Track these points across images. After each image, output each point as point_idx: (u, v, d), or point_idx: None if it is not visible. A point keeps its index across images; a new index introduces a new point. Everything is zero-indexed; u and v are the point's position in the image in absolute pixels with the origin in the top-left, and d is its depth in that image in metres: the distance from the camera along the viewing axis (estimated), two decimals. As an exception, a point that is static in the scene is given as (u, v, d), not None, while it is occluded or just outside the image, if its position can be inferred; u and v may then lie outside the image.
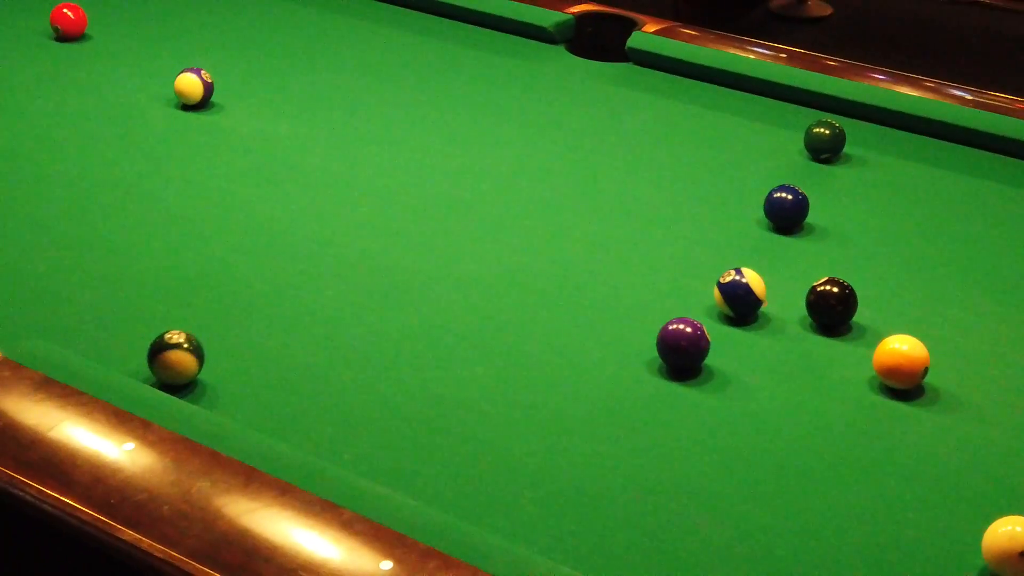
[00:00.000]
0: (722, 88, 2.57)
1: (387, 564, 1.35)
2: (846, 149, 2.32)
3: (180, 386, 1.66)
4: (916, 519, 1.51)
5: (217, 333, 1.78)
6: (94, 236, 2.01)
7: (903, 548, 1.46)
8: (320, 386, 1.69)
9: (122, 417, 1.54)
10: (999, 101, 2.44)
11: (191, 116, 2.38)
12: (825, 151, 2.30)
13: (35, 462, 1.49)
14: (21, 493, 1.46)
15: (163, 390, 1.63)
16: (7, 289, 1.86)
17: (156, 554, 1.38)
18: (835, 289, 1.84)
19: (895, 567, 1.44)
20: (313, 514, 1.41)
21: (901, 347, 1.71)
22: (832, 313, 1.83)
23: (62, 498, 1.44)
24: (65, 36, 2.61)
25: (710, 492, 1.54)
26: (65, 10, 2.63)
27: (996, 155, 2.34)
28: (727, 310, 1.85)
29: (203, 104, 2.38)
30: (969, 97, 2.46)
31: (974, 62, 4.93)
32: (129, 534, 1.40)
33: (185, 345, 1.66)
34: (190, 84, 2.36)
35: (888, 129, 2.42)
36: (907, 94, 2.45)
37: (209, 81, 2.38)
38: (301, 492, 1.44)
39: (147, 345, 1.72)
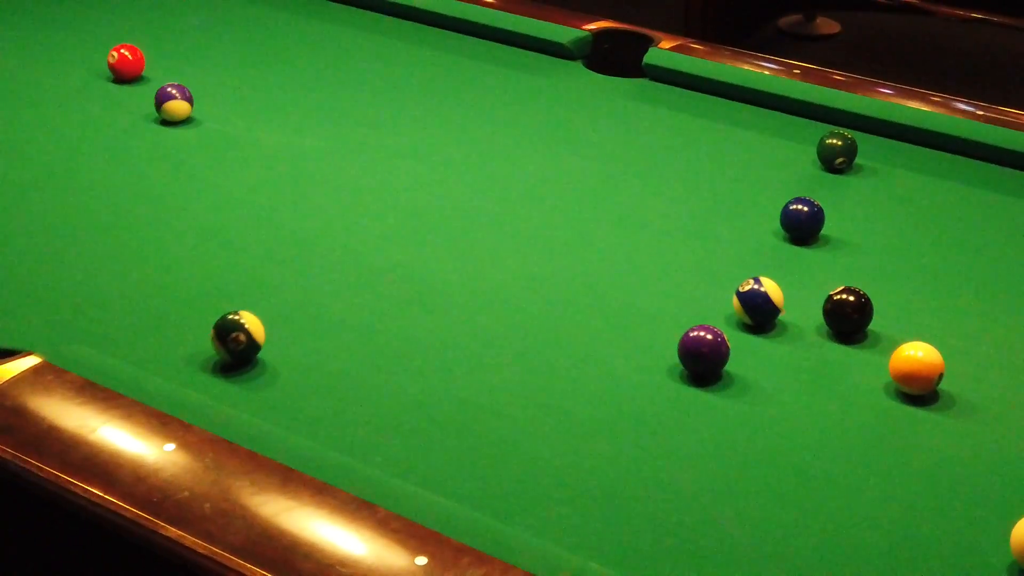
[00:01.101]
0: (736, 103, 2.60)
1: (422, 560, 1.39)
2: (860, 161, 2.37)
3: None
4: (933, 519, 1.55)
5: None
6: (128, 247, 2.05)
7: (921, 547, 1.50)
8: (352, 391, 1.73)
9: (163, 419, 1.59)
10: (1007, 115, 2.48)
11: (219, 130, 2.43)
12: (840, 155, 2.33)
13: (79, 462, 1.53)
14: (66, 492, 1.51)
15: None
16: (47, 297, 1.91)
17: (198, 550, 1.42)
18: (851, 298, 1.88)
19: (913, 565, 1.48)
20: (349, 512, 1.46)
21: (916, 354, 1.75)
22: (848, 321, 1.88)
23: (106, 496, 1.49)
24: (123, 77, 2.59)
25: (732, 493, 1.58)
26: (123, 51, 2.60)
27: (1004, 168, 2.37)
28: (746, 318, 1.89)
29: (187, 119, 2.44)
30: (977, 112, 2.50)
31: (981, 78, 4.97)
32: (172, 531, 1.44)
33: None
34: (177, 107, 2.42)
35: (898, 142, 2.46)
36: (916, 108, 2.49)
37: (183, 95, 2.43)
38: (337, 491, 1.48)
39: (183, 351, 1.78)
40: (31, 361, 1.68)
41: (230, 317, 1.76)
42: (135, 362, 1.75)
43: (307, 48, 2.83)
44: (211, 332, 1.76)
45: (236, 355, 1.75)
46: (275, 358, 1.79)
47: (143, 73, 2.61)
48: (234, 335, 1.75)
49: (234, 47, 2.82)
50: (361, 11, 2.97)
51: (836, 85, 2.59)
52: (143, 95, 2.53)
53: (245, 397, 1.71)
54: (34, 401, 1.62)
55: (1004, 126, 2.44)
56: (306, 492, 1.48)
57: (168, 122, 2.42)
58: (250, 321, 1.76)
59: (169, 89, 2.43)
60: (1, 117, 2.46)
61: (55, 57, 2.72)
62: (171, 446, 1.55)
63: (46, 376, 1.66)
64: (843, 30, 5.38)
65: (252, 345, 1.76)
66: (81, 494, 1.50)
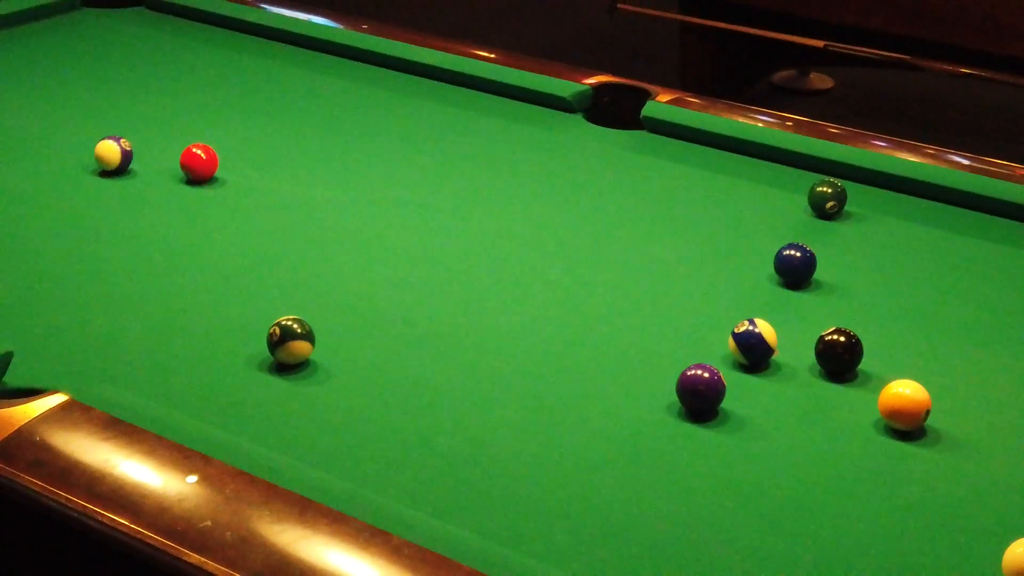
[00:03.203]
0: (731, 154, 2.68)
1: (434, 584, 1.46)
2: (850, 209, 2.45)
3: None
4: (921, 549, 1.61)
5: (267, 379, 1.91)
6: (149, 292, 2.13)
7: None
8: (364, 427, 1.81)
9: (184, 452, 1.66)
10: (996, 167, 2.55)
11: (232, 180, 2.51)
12: (830, 201, 2.41)
13: (106, 494, 1.60)
14: (94, 522, 1.58)
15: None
16: (73, 340, 1.99)
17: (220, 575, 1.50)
18: (842, 339, 1.95)
19: (900, 590, 1.55)
20: (364, 539, 1.52)
21: (904, 391, 1.83)
22: (839, 361, 1.95)
23: (133, 526, 1.55)
24: (197, 178, 2.50)
25: (728, 525, 1.65)
26: (195, 150, 2.50)
27: (993, 217, 2.44)
28: (741, 358, 1.96)
29: (122, 170, 2.50)
30: (968, 163, 2.57)
31: (972, 132, 5.06)
32: (195, 557, 1.51)
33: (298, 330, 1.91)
34: (108, 150, 2.48)
35: (888, 192, 2.53)
36: (908, 160, 2.57)
37: (128, 149, 2.50)
38: (352, 520, 1.55)
39: (202, 388, 1.86)
40: (58, 399, 1.75)
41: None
42: (157, 399, 1.82)
43: (317, 102, 2.91)
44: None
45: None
46: (290, 395, 1.87)
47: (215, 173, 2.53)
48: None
49: (246, 101, 2.90)
50: (369, 66, 3.06)
51: (829, 137, 2.66)
52: (160, 151, 2.62)
53: (263, 432, 1.78)
54: (62, 437, 1.70)
55: (992, 176, 2.51)
56: (322, 521, 1.55)
57: (105, 172, 2.50)
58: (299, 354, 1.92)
59: (110, 141, 2.50)
60: (25, 171, 2.54)
61: (73, 111, 2.81)
62: (193, 478, 1.62)
63: (73, 413, 1.73)
64: (836, 85, 5.48)
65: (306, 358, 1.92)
66: (108, 524, 1.56)
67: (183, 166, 2.48)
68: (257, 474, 1.62)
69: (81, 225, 2.34)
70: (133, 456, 1.66)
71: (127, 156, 2.51)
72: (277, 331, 1.92)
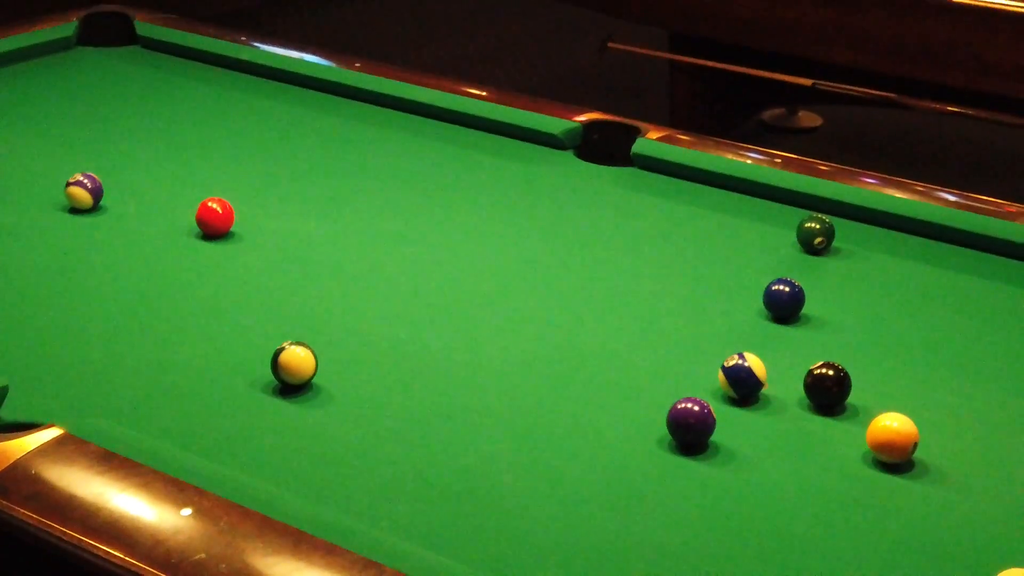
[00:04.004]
0: (721, 190, 2.70)
1: (427, 614, 1.48)
2: (839, 245, 2.47)
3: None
4: (908, 579, 1.64)
5: (260, 412, 1.92)
6: (143, 327, 2.15)
7: (896, 603, 1.59)
8: (357, 460, 1.82)
9: (179, 486, 1.67)
10: (984, 203, 2.57)
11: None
12: (818, 236, 2.44)
13: (101, 527, 1.62)
14: (89, 555, 1.59)
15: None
16: (68, 375, 2.00)
17: (215, 607, 1.51)
18: (831, 372, 1.97)
19: (889, 620, 1.57)
20: (357, 572, 1.54)
21: (892, 424, 1.84)
22: (828, 394, 1.97)
23: (127, 558, 1.57)
24: (213, 233, 2.45)
25: (718, 557, 1.66)
26: (211, 204, 2.45)
27: (981, 253, 2.47)
28: (731, 392, 1.98)
29: (96, 205, 2.52)
30: (956, 199, 2.59)
31: (959, 170, 5.11)
32: (190, 590, 1.53)
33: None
34: (79, 196, 2.50)
35: (878, 228, 2.56)
36: (896, 196, 2.59)
37: (97, 184, 2.52)
38: (345, 552, 1.57)
39: (196, 422, 1.88)
40: (54, 433, 1.77)
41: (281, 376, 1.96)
42: (152, 433, 1.84)
43: (310, 138, 2.94)
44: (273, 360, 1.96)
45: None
46: (284, 428, 1.88)
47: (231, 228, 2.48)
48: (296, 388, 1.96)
49: (239, 138, 2.93)
50: (362, 103, 3.09)
51: (818, 174, 2.68)
52: (153, 188, 2.64)
53: (257, 464, 1.79)
54: (57, 471, 1.71)
55: (977, 212, 2.53)
56: (316, 553, 1.57)
57: (75, 209, 2.51)
58: (297, 365, 1.96)
59: (80, 178, 2.51)
60: (19, 207, 2.56)
61: (67, 148, 2.83)
62: (188, 511, 1.63)
63: (68, 447, 1.75)
64: (825, 123, 5.52)
65: (309, 381, 1.97)
66: (103, 556, 1.58)
67: (199, 221, 2.44)
68: (251, 507, 1.64)
69: (76, 260, 2.36)
70: (128, 489, 1.67)
71: (97, 192, 2.52)
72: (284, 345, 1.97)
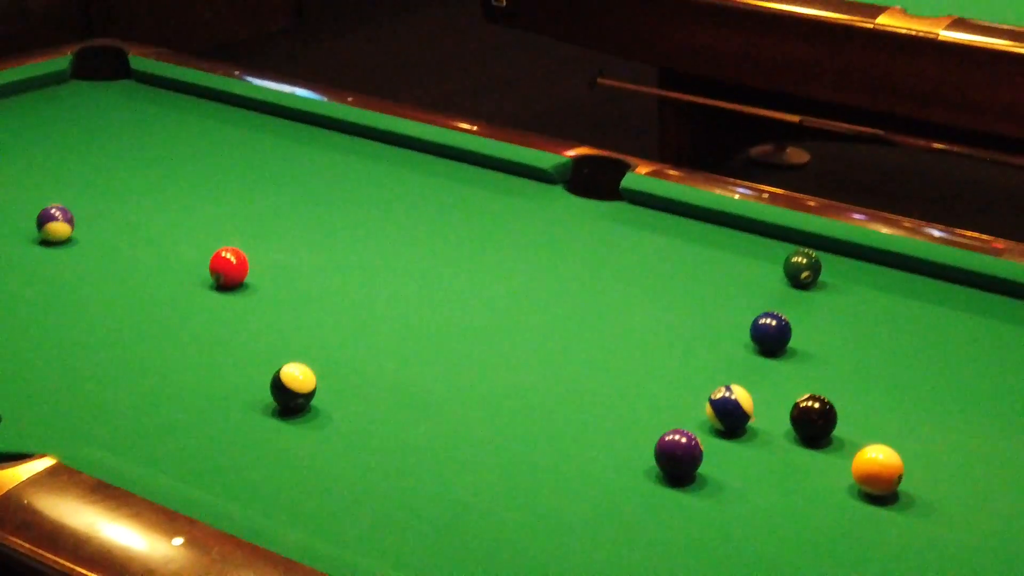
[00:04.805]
0: (709, 225, 2.72)
1: (416, 644, 1.49)
2: (826, 279, 2.49)
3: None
4: (893, 610, 1.66)
5: (251, 443, 1.94)
6: (135, 359, 2.17)
7: (881, 634, 1.61)
8: (347, 491, 1.84)
9: (170, 515, 1.69)
10: (970, 239, 2.60)
11: (217, 247, 2.54)
12: (804, 271, 2.46)
13: (92, 556, 1.63)
14: (81, 584, 1.61)
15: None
16: (61, 405, 2.02)
17: (206, 636, 1.52)
18: (817, 405, 1.99)
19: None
20: (347, 601, 1.56)
21: (877, 456, 1.86)
22: (814, 427, 1.99)
23: (119, 587, 1.59)
24: (226, 284, 2.40)
25: (705, 586, 1.68)
26: (225, 254, 2.41)
27: (967, 288, 2.48)
28: (718, 424, 2.00)
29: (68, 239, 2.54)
30: (942, 235, 2.61)
31: (946, 206, 5.14)
32: (181, 618, 1.54)
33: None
34: (58, 228, 2.52)
35: (864, 263, 2.58)
36: (883, 232, 2.61)
37: (69, 216, 2.53)
38: (336, 582, 1.59)
39: (188, 452, 1.90)
40: (46, 463, 1.78)
41: (284, 386, 1.99)
42: (144, 463, 1.85)
43: (302, 172, 2.96)
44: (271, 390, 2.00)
45: (299, 409, 1.99)
46: (274, 459, 1.90)
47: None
48: (292, 402, 1.99)
49: (232, 171, 2.95)
50: (353, 137, 3.11)
51: (805, 209, 2.70)
52: (145, 220, 2.66)
53: (248, 494, 1.81)
54: (49, 500, 1.73)
55: (964, 248, 2.54)
56: (306, 583, 1.58)
57: (49, 242, 2.52)
58: (303, 377, 2.00)
59: (52, 211, 2.53)
60: (12, 239, 2.58)
61: (61, 182, 2.85)
62: (179, 540, 1.65)
63: (60, 477, 1.76)
64: (812, 160, 5.56)
65: (308, 397, 2.00)
66: (95, 585, 1.60)
67: (213, 272, 2.40)
68: (242, 536, 1.65)
69: (70, 292, 2.38)
70: (119, 519, 1.69)
71: (71, 220, 2.54)
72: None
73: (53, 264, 2.48)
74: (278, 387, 1.99)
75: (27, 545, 1.65)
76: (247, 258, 2.42)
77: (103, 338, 2.23)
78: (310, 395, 2.01)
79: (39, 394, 2.05)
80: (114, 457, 1.84)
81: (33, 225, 2.56)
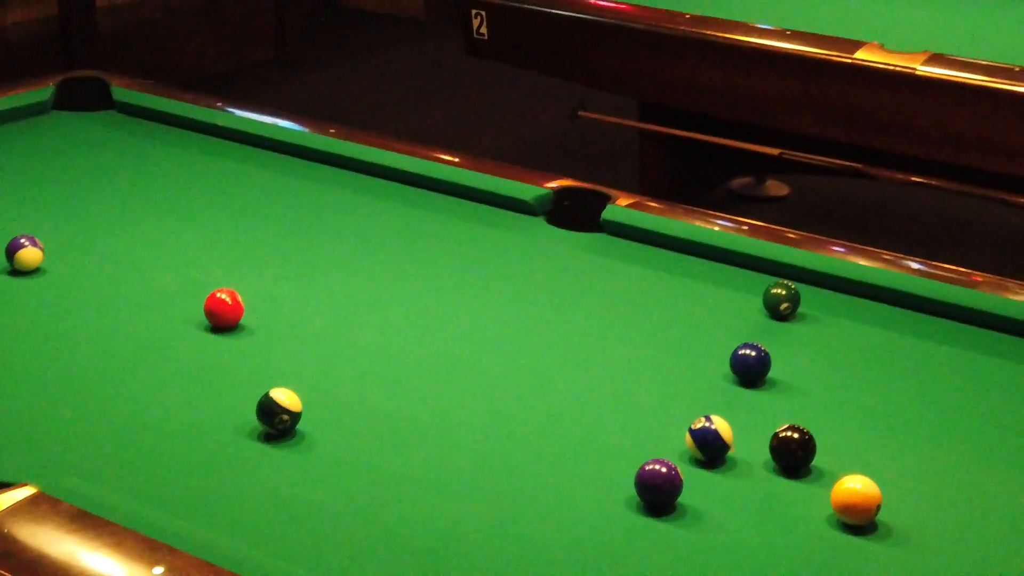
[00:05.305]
0: (689, 257, 2.74)
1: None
2: (805, 311, 2.51)
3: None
4: (871, 639, 1.66)
5: (233, 472, 1.94)
6: (116, 388, 2.17)
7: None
8: (329, 520, 1.84)
9: (151, 544, 1.69)
10: (948, 272, 2.62)
11: (199, 277, 2.55)
12: (784, 302, 2.48)
13: (73, 585, 1.63)
14: (60, 613, 1.61)
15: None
16: (42, 434, 2.02)
17: (187, 666, 1.52)
18: (796, 435, 2.00)
19: None
20: (328, 630, 1.56)
21: (855, 486, 1.88)
22: (793, 457, 2.00)
23: (98, 617, 1.59)
24: (222, 325, 2.36)
25: (685, 616, 1.69)
26: (220, 295, 2.37)
27: (945, 320, 2.50)
28: (698, 454, 2.01)
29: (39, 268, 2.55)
30: (920, 268, 2.64)
31: (925, 239, 5.18)
32: (161, 648, 1.54)
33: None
34: (28, 255, 2.52)
35: (844, 296, 2.59)
36: (862, 264, 2.63)
37: (34, 244, 2.54)
38: (317, 611, 1.59)
39: (169, 482, 1.90)
40: (27, 492, 1.78)
41: (269, 404, 2.02)
42: (125, 492, 1.85)
43: (284, 203, 2.97)
44: (256, 413, 2.02)
45: (286, 430, 2.01)
46: (256, 489, 1.90)
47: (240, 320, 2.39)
48: (278, 418, 2.00)
49: (214, 202, 2.96)
50: (336, 169, 3.12)
51: (785, 241, 2.72)
52: (127, 250, 2.67)
53: (229, 524, 1.81)
54: (30, 529, 1.72)
55: (942, 281, 2.56)
56: (287, 612, 1.58)
57: (20, 271, 2.52)
58: (289, 400, 2.02)
59: (21, 240, 2.53)
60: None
61: (42, 213, 2.85)
62: (160, 569, 1.64)
63: (41, 506, 1.76)
64: (792, 192, 5.59)
65: (294, 418, 2.01)
66: (74, 614, 1.59)
67: (207, 312, 2.37)
68: (223, 566, 1.65)
69: (50, 320, 2.38)
70: (100, 548, 1.69)
71: (39, 247, 2.54)
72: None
73: (33, 293, 2.48)
74: (266, 403, 2.01)
75: (7, 574, 1.64)
76: (241, 299, 2.39)
77: (83, 367, 2.23)
78: (296, 415, 2.02)
79: (19, 423, 2.05)
80: (95, 486, 1.84)
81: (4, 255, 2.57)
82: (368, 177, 3.08)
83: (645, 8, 4.41)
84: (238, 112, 3.35)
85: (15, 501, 1.76)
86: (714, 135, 4.51)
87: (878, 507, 1.87)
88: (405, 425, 2.09)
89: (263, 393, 2.04)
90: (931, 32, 4.39)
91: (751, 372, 2.26)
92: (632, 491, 1.90)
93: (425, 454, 2.02)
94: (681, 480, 1.90)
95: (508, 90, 6.92)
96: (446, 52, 7.44)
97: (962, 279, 2.58)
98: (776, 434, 2.01)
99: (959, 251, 5.02)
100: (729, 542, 1.84)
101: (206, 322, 2.38)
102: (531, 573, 1.75)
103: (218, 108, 3.36)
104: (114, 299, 2.48)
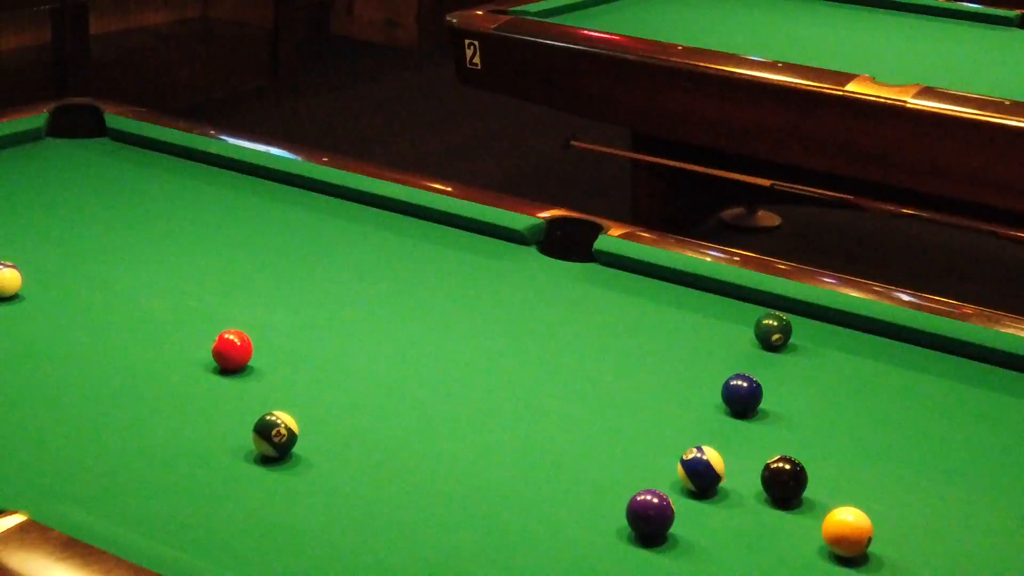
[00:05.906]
0: (681, 287, 2.75)
1: None
2: (797, 342, 2.52)
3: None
4: (863, 672, 1.66)
5: (223, 500, 1.93)
6: (107, 415, 2.16)
7: None
8: (318, 548, 1.83)
9: (142, 573, 1.68)
10: (938, 303, 2.63)
11: (192, 305, 2.56)
12: (775, 333, 2.49)
13: (62, 614, 1.62)
14: (49, 642, 1.60)
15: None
16: (32, 461, 2.01)
17: None
18: (787, 466, 2.00)
19: None
20: (318, 660, 1.55)
21: (847, 518, 1.88)
22: (785, 488, 2.00)
23: (88, 646, 1.58)
24: (229, 366, 2.32)
25: (676, 647, 1.69)
26: (228, 335, 2.33)
27: (936, 352, 2.51)
28: (689, 484, 2.01)
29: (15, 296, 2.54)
30: (911, 299, 2.64)
31: (916, 270, 5.19)
32: (151, 678, 1.54)
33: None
34: (11, 279, 2.52)
35: (835, 327, 2.60)
36: (854, 296, 2.64)
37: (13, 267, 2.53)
38: (307, 640, 1.58)
39: (160, 510, 1.89)
40: (17, 519, 1.77)
41: (267, 419, 2.03)
42: (116, 520, 1.84)
43: (276, 231, 2.97)
44: (253, 434, 2.03)
45: (282, 448, 2.02)
46: (248, 517, 1.89)
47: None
48: (275, 431, 2.01)
49: (207, 229, 2.96)
50: (328, 197, 3.13)
51: (776, 272, 2.73)
52: (120, 277, 2.67)
53: (219, 552, 1.80)
54: (19, 557, 1.71)
55: (932, 313, 2.57)
56: (277, 641, 1.58)
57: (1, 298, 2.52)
58: (287, 419, 2.03)
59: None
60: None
61: (33, 241, 2.85)
62: (150, 598, 1.64)
63: (31, 533, 1.75)
64: (784, 223, 5.61)
65: (292, 435, 2.02)
66: (63, 643, 1.59)
67: (215, 354, 2.32)
68: (213, 594, 1.65)
69: (42, 347, 2.37)
70: (90, 576, 1.68)
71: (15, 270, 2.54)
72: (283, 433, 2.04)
73: (25, 319, 2.48)
74: (265, 417, 2.03)
75: (-4, 602, 1.64)
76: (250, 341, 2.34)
77: (74, 394, 2.22)
78: (293, 434, 2.03)
79: (9, 450, 2.04)
80: (85, 514, 1.84)
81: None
82: (360, 206, 3.09)
83: (638, 39, 4.44)
84: (231, 140, 3.36)
85: (5, 528, 1.75)
86: (706, 166, 4.53)
87: (869, 539, 1.87)
88: (396, 454, 2.09)
89: (254, 420, 2.03)
90: (922, 65, 4.42)
91: (743, 403, 2.26)
92: (623, 522, 1.90)
93: (416, 484, 2.01)
94: (673, 511, 1.89)
95: (501, 120, 6.94)
96: (439, 81, 7.47)
97: (953, 311, 2.59)
98: (768, 465, 2.01)
99: (950, 283, 5.03)
100: (720, 573, 1.83)
101: (198, 349, 2.38)
102: (522, 603, 1.75)
103: (211, 136, 3.36)
104: (105, 326, 2.47)
